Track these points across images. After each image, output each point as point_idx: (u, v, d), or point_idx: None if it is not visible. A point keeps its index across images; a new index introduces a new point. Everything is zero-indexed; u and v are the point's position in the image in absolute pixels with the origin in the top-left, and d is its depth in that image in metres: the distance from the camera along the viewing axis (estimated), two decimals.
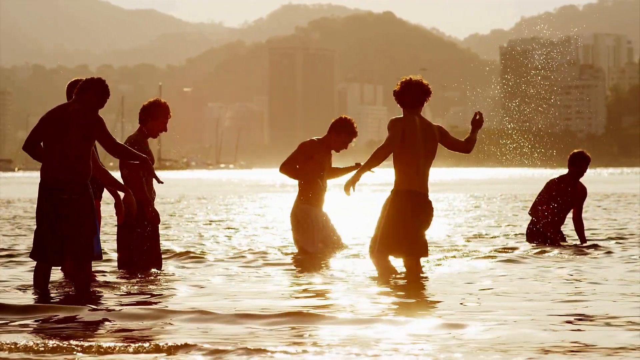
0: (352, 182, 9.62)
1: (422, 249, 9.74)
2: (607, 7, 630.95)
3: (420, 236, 9.72)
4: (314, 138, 11.62)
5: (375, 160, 9.63)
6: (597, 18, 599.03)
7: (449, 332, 6.68)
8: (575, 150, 13.63)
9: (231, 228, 19.31)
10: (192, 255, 12.66)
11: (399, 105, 9.90)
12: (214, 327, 7.04)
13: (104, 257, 11.46)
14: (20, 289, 9.40)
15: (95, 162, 9.28)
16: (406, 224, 9.62)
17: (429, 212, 9.77)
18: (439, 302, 8.36)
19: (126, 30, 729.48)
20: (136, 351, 6.16)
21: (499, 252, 12.72)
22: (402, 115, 9.83)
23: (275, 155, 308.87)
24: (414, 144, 9.70)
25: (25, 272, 10.92)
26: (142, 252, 10.45)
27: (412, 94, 9.77)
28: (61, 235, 8.91)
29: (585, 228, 13.70)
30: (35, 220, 9.05)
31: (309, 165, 11.42)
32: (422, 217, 9.71)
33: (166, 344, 6.27)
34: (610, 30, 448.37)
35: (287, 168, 11.54)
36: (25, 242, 15.21)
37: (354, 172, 9.93)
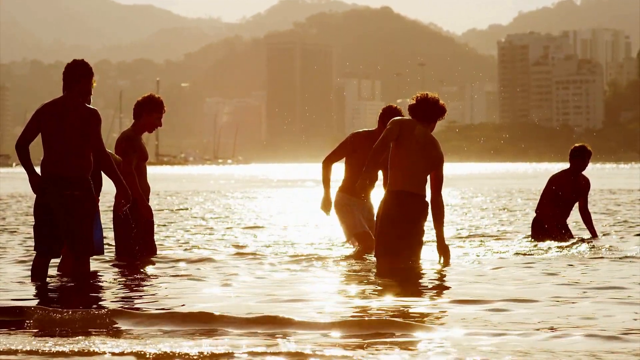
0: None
1: (409, 251, 9.63)
2: (605, 1, 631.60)
3: (410, 238, 9.59)
4: (363, 130, 11.36)
5: (373, 162, 9.46)
6: (595, 13, 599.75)
7: (452, 335, 6.57)
8: (577, 144, 13.56)
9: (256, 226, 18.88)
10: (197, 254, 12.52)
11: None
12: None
13: (106, 254, 11.32)
14: (18, 282, 9.33)
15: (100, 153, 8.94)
16: (396, 225, 9.54)
17: (421, 213, 9.62)
18: (439, 304, 8.15)
19: (124, 26, 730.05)
20: (124, 353, 6.04)
21: (503, 250, 12.55)
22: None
23: (273, 150, 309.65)
24: (410, 145, 9.60)
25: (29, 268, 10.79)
26: (138, 246, 10.41)
27: (426, 111, 9.68)
28: (61, 230, 8.86)
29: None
30: (33, 214, 8.96)
31: (352, 159, 11.19)
32: (414, 220, 9.58)
33: (156, 350, 6.10)
34: (609, 25, 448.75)
35: (326, 164, 11.18)
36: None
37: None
